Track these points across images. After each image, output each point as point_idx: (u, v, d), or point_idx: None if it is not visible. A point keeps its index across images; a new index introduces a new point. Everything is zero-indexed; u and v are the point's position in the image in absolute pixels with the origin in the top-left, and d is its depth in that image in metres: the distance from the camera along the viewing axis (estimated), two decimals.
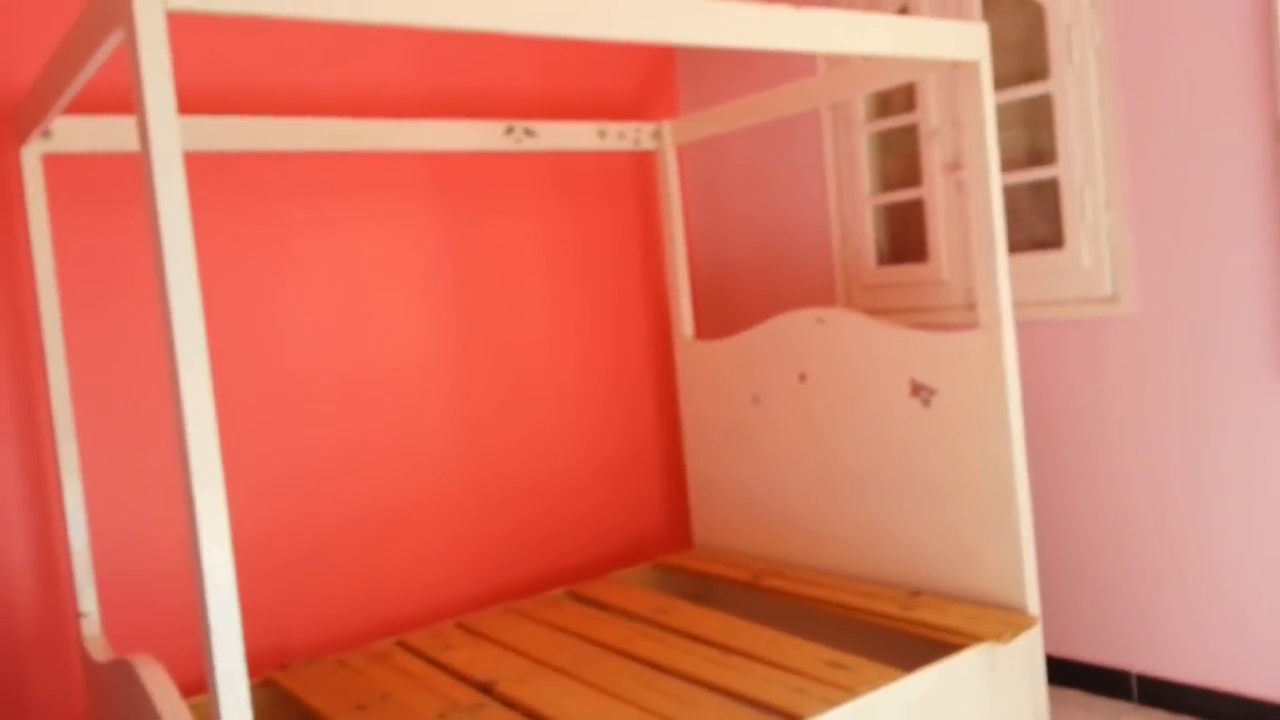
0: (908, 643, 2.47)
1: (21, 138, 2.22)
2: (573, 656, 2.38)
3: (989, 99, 2.32)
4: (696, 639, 2.45)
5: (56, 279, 2.30)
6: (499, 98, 3.15)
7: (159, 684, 1.73)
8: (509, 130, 2.92)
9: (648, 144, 3.19)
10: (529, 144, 2.96)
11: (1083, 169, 2.59)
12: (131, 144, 2.35)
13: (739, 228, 3.47)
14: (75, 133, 2.28)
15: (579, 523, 3.27)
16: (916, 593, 2.54)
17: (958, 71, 2.40)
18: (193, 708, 2.34)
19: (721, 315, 3.55)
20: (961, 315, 2.87)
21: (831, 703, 1.98)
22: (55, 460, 2.40)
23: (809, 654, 2.26)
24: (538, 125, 2.97)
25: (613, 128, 3.11)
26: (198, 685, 2.56)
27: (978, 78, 2.31)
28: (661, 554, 3.45)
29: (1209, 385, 2.44)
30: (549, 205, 3.25)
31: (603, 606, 2.79)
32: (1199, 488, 2.48)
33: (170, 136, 1.32)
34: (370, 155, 2.89)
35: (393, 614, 2.89)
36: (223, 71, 2.67)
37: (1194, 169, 2.42)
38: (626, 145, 3.14)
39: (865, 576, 2.69)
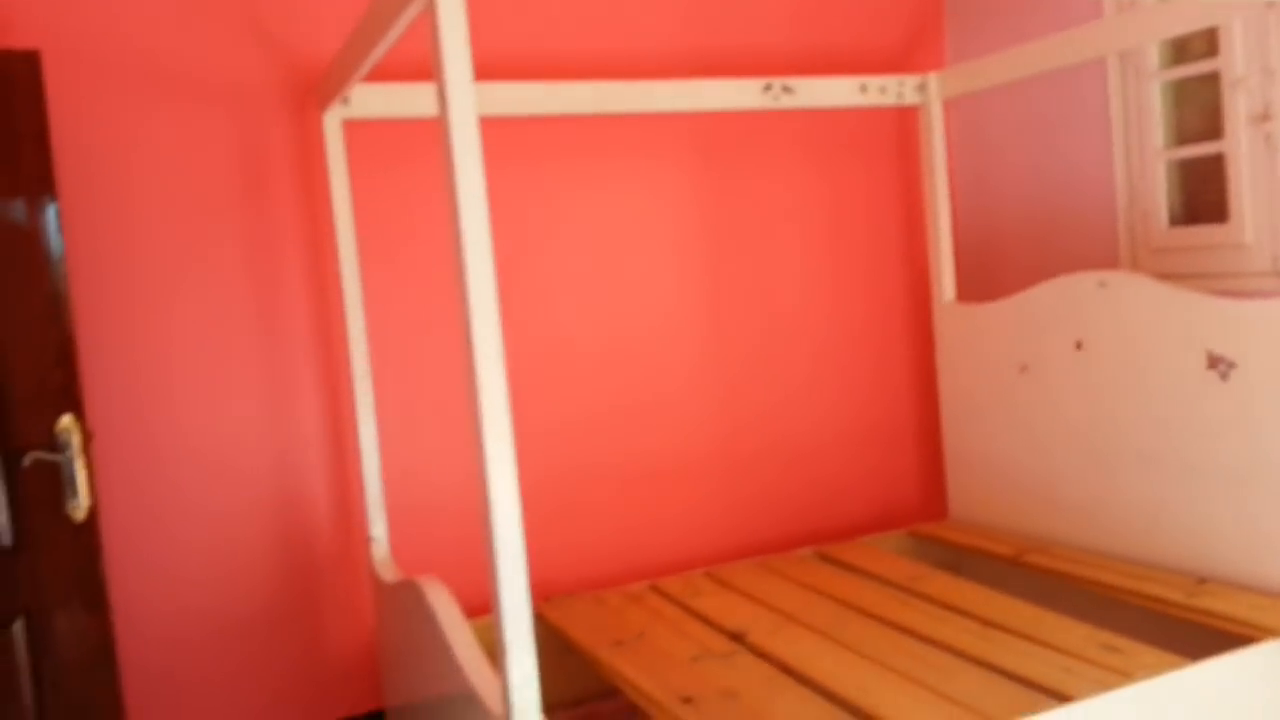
0: (1189, 631, 2.29)
1: (324, 104, 2.43)
2: (824, 615, 2.38)
3: None
4: (954, 609, 2.38)
5: (355, 233, 2.52)
6: (757, 55, 3.13)
7: (443, 604, 1.87)
8: (767, 87, 2.91)
9: (911, 98, 3.07)
10: (787, 101, 2.93)
11: None
12: (417, 109, 2.52)
13: (1008, 186, 3.29)
14: (369, 99, 2.47)
15: (828, 485, 3.25)
16: (1203, 580, 2.35)
17: (1272, 11, 2.15)
18: (473, 628, 2.52)
19: (985, 279, 3.39)
20: (1266, 282, 2.60)
21: (1106, 686, 1.87)
22: (350, 402, 2.64)
23: (1079, 634, 2.14)
24: (796, 82, 2.93)
25: (874, 82, 3.02)
26: (476, 608, 2.75)
27: None
28: (912, 523, 3.37)
29: None
30: (804, 164, 3.21)
31: (853, 569, 2.77)
32: None
33: (467, 101, 1.40)
34: (630, 117, 2.96)
35: (645, 560, 2.99)
36: (489, 40, 2.81)
37: None
38: (889, 100, 3.05)
39: (1142, 560, 2.51)
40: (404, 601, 2.15)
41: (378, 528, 2.47)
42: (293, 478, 2.59)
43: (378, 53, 1.85)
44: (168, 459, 2.48)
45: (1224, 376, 2.29)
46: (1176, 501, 2.42)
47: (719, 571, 2.78)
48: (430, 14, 1.43)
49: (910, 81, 3.07)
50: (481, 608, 2.77)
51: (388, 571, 2.38)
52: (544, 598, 2.80)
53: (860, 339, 3.29)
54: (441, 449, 2.74)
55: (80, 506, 2.01)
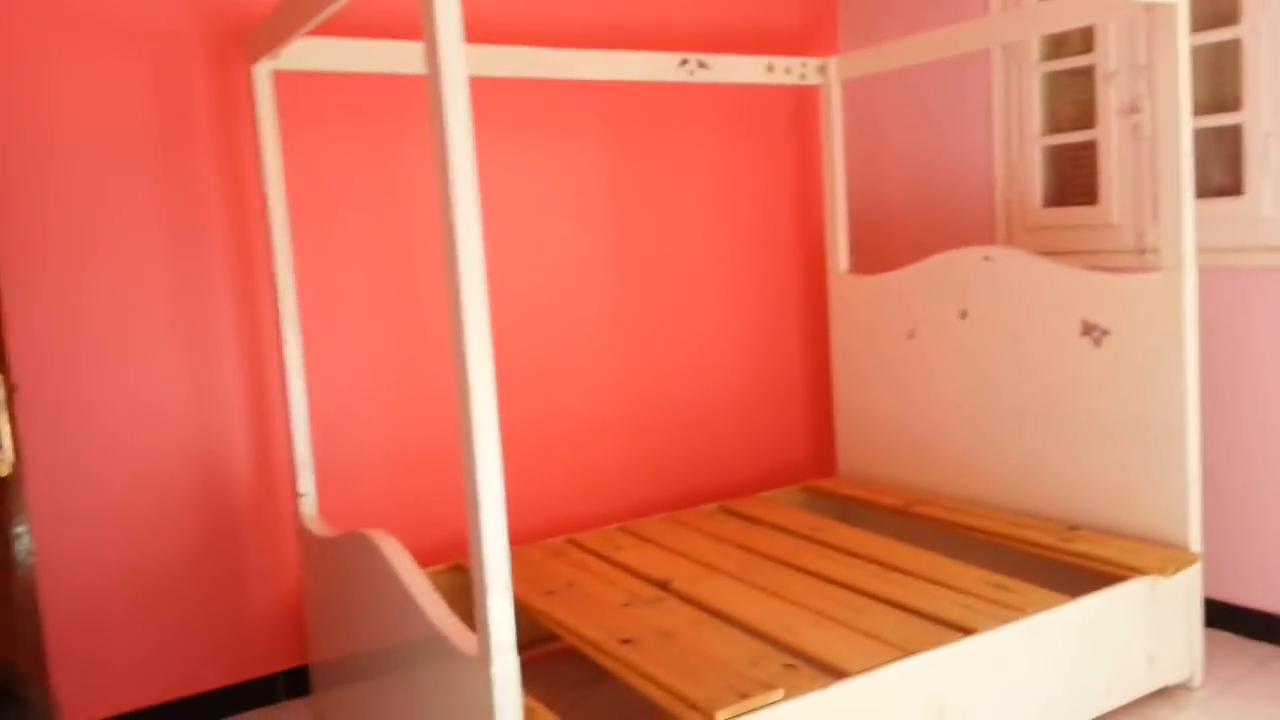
0: (1065, 573, 2.55)
1: (255, 56, 2.38)
2: (739, 563, 2.53)
3: (1185, 42, 2.31)
4: (856, 555, 2.57)
5: (284, 192, 2.49)
6: (664, 30, 3.23)
7: (397, 554, 1.92)
8: (683, 62, 3.01)
9: (813, 79, 3.23)
10: (701, 76, 3.04)
11: (1269, 116, 2.57)
12: (352, 64, 2.50)
13: (898, 165, 3.50)
14: (303, 53, 2.44)
15: (727, 445, 3.41)
16: (1075, 526, 2.62)
17: (1148, 12, 2.39)
18: None
19: (875, 251, 3.61)
20: (1129, 259, 2.88)
21: (1001, 620, 2.08)
22: (273, 358, 2.61)
23: (973, 575, 2.36)
24: (709, 58, 3.04)
25: (780, 62, 3.17)
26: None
27: (1174, 20, 2.31)
28: (804, 480, 3.57)
29: None
30: (706, 138, 3.33)
31: (757, 522, 2.93)
32: None
33: (458, 61, 1.45)
34: (537, 85, 3.00)
35: (557, 517, 3.08)
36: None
37: None
38: (793, 79, 3.20)
39: (1020, 509, 2.77)
40: (345, 554, 2.18)
41: (306, 483, 2.47)
42: (215, 433, 2.56)
43: (335, 7, 1.84)
44: (89, 413, 2.41)
45: (1097, 343, 2.55)
46: (1051, 456, 2.68)
47: (633, 526, 2.90)
48: None
49: (812, 63, 3.23)
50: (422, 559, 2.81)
51: (319, 526, 2.39)
52: (465, 554, 2.86)
53: (758, 307, 3.46)
54: (365, 404, 2.74)
55: (4, 461, 1.95)
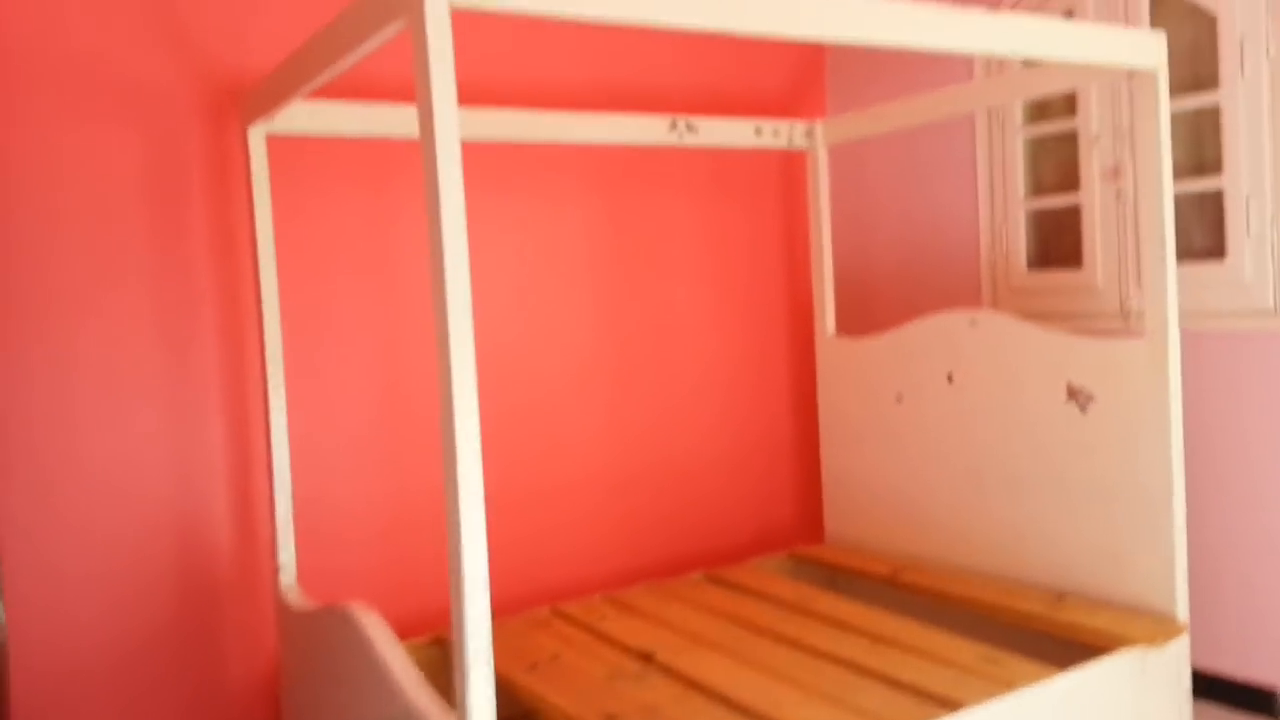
0: (1053, 643, 2.51)
1: (251, 118, 2.39)
2: (724, 635, 2.49)
3: (1164, 108, 2.33)
4: (843, 626, 2.53)
5: (275, 253, 2.49)
6: (657, 93, 3.26)
7: (376, 628, 1.88)
8: (673, 125, 3.03)
9: (800, 142, 3.26)
10: (690, 139, 3.06)
11: (1249, 181, 2.59)
12: (349, 128, 2.51)
13: (884, 227, 3.52)
14: (297, 116, 2.45)
15: (713, 509, 3.38)
16: (1063, 595, 2.58)
17: (1130, 80, 2.42)
18: None
19: (862, 314, 3.61)
20: (1113, 322, 2.88)
21: (989, 694, 2.04)
22: (258, 427, 2.59)
23: (961, 647, 2.32)
24: (699, 121, 3.07)
25: (768, 125, 3.19)
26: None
27: (1154, 86, 2.33)
28: (791, 545, 3.54)
29: None
30: (695, 199, 3.35)
31: (744, 590, 2.89)
32: None
33: (451, 124, 1.45)
34: (536, 146, 3.03)
35: (542, 581, 3.04)
36: (408, 65, 2.83)
37: None
38: (780, 143, 3.22)
39: (1008, 576, 2.74)
40: (323, 628, 2.14)
41: (286, 552, 2.44)
42: (195, 502, 2.53)
43: (335, 71, 1.86)
44: (67, 479, 2.38)
45: (1083, 408, 2.53)
46: (1038, 521, 2.65)
47: (618, 596, 2.85)
48: (416, 35, 1.47)
49: (800, 127, 3.25)
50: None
51: (297, 598, 2.35)
52: (447, 626, 2.81)
53: (746, 370, 3.45)
54: (350, 476, 2.72)
55: None
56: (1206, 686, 2.74)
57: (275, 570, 2.45)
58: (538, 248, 3.04)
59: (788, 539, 3.55)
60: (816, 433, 3.61)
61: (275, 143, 2.62)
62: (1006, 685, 2.08)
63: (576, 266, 3.11)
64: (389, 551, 2.78)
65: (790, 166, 3.56)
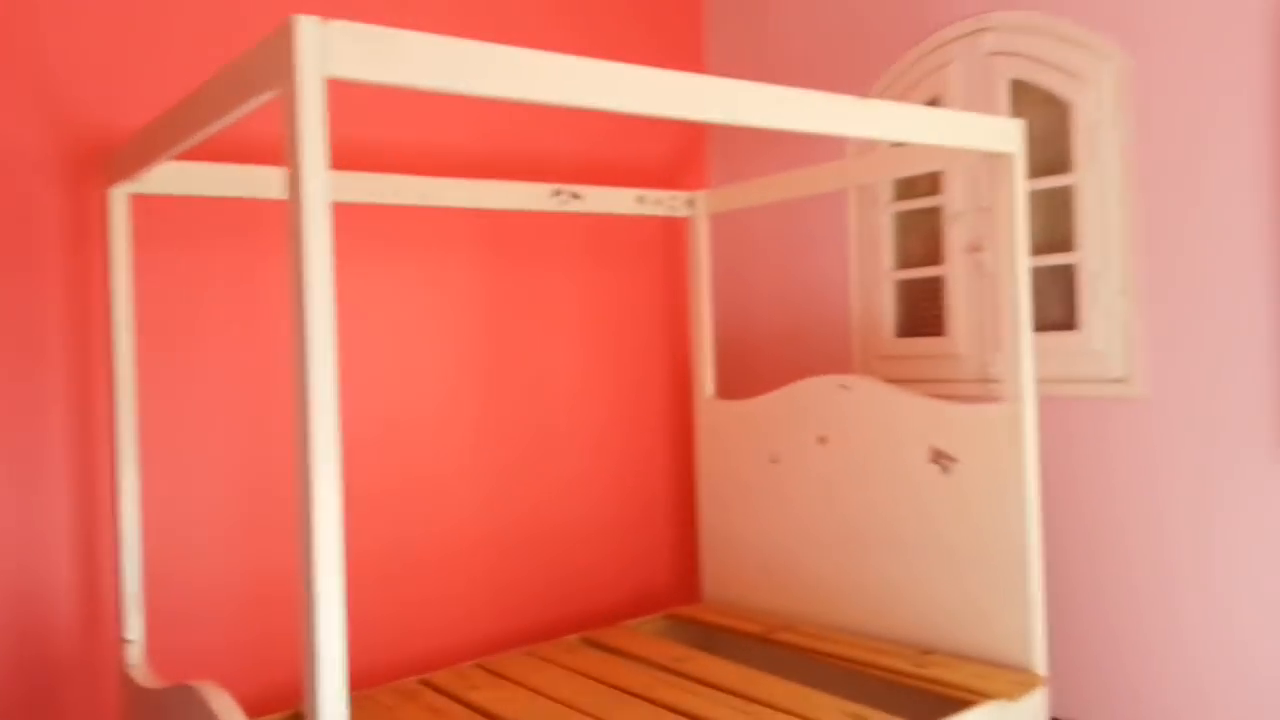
0: (919, 699, 2.56)
1: (114, 179, 2.32)
2: (598, 701, 2.45)
3: (1022, 188, 2.48)
4: (717, 688, 2.53)
5: (134, 317, 2.39)
6: (542, 161, 3.30)
7: (227, 709, 1.79)
8: (557, 193, 3.07)
9: (682, 211, 3.34)
10: (574, 206, 3.10)
11: (1099, 257, 2.76)
12: (213, 189, 2.45)
13: (763, 294, 3.61)
14: (163, 176, 2.39)
15: (591, 571, 3.35)
16: (928, 651, 2.63)
17: (990, 161, 2.57)
18: None
19: (740, 378, 3.68)
20: (975, 388, 3.01)
21: None
22: (110, 491, 2.47)
23: (829, 705, 2.34)
24: (582, 189, 3.12)
25: (650, 194, 3.26)
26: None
27: (1012, 168, 2.48)
28: (669, 606, 3.53)
29: (1214, 467, 2.58)
30: (578, 266, 3.38)
31: (619, 653, 2.86)
32: (1206, 565, 2.60)
33: (320, 196, 1.43)
34: (422, 211, 3.01)
35: (413, 652, 2.95)
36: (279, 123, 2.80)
37: (1203, 264, 2.59)
38: (663, 211, 3.29)
39: (876, 634, 2.79)
40: (169, 709, 2.02)
41: (134, 627, 2.30)
42: (37, 576, 2.37)
43: (205, 134, 1.81)
44: None
45: (945, 470, 2.62)
46: (904, 580, 2.72)
47: (490, 662, 2.79)
48: (287, 105, 1.45)
49: (681, 196, 3.33)
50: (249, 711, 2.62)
51: (144, 677, 2.22)
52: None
53: (626, 432, 3.46)
54: (206, 549, 2.60)
55: None
56: None
57: (121, 647, 2.31)
58: (415, 313, 3.01)
59: (666, 600, 3.54)
60: (695, 494, 3.63)
61: (141, 202, 2.54)
62: None
63: (456, 331, 3.09)
64: (248, 627, 2.66)
65: (672, 234, 3.63)
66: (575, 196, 3.10)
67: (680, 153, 3.67)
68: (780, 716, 2.30)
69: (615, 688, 2.55)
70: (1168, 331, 2.66)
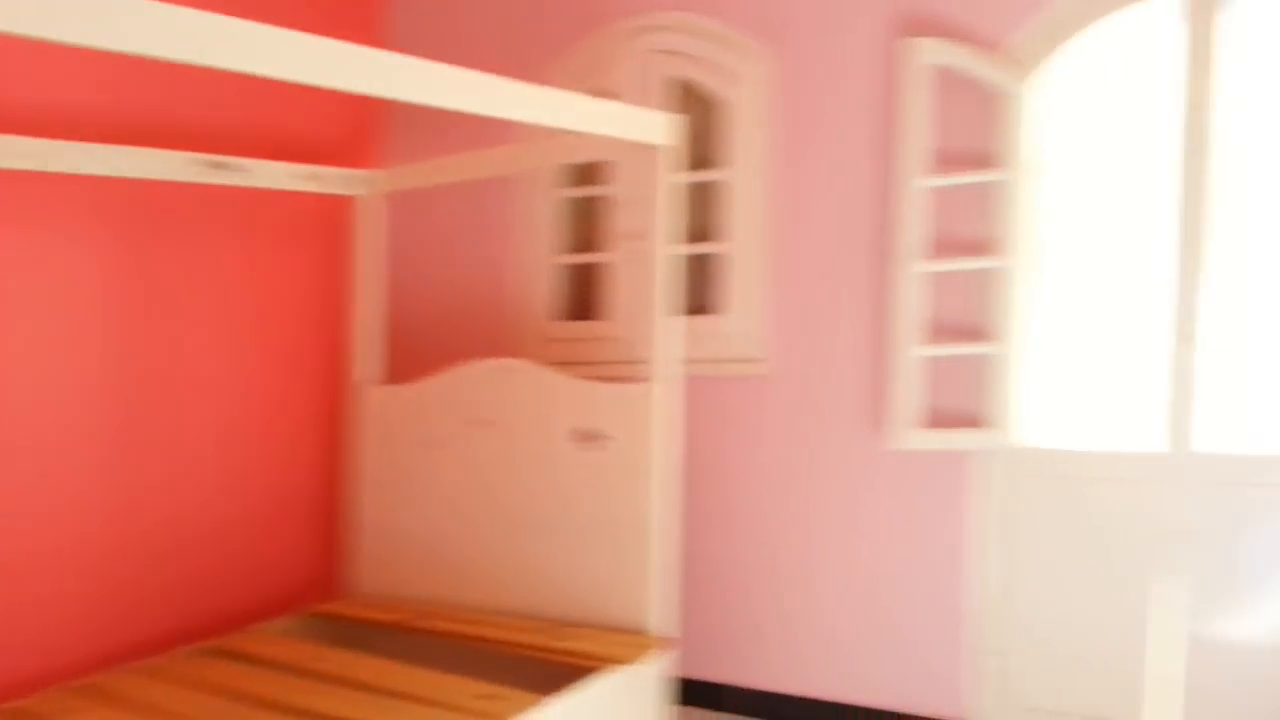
0: (558, 671, 2.51)
1: None
2: (217, 714, 2.19)
3: (673, 179, 2.53)
4: (350, 684, 2.35)
5: None
6: (198, 128, 2.99)
7: None
8: (213, 163, 2.78)
9: (354, 189, 3.16)
10: (237, 179, 2.82)
11: (744, 247, 2.86)
12: None
13: (426, 278, 3.50)
14: None
15: (220, 574, 3.04)
16: (566, 624, 2.62)
17: (650, 153, 2.60)
18: None
19: (404, 363, 3.53)
20: (635, 369, 3.03)
21: None
22: None
23: (461, 688, 2.25)
24: (248, 162, 2.85)
25: (322, 171, 3.06)
26: None
27: (668, 160, 2.52)
28: (311, 604, 3.28)
29: (823, 436, 2.78)
30: (238, 242, 3.11)
31: (247, 660, 2.60)
32: (804, 523, 2.82)
33: None
34: (44, 178, 2.63)
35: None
36: None
37: (819, 257, 2.78)
38: (333, 189, 3.09)
39: (524, 613, 2.74)
40: None
41: None
42: None
43: None
44: None
45: (593, 448, 2.61)
46: (552, 557, 2.70)
47: (94, 682, 2.43)
48: None
49: (356, 175, 3.15)
50: None
51: None
52: None
53: (274, 420, 3.20)
54: None
55: None
56: (699, 693, 2.93)
57: None
58: (36, 288, 2.61)
59: (309, 598, 3.29)
60: (346, 485, 3.41)
61: None
62: (499, 719, 2.02)
63: (85, 309, 2.71)
64: None
65: (337, 214, 3.43)
66: (219, 167, 2.83)
67: (356, 130, 3.48)
68: (413, 706, 2.17)
69: (240, 697, 2.29)
70: (791, 317, 2.82)
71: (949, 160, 2.61)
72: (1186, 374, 2.40)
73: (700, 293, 2.99)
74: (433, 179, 3.06)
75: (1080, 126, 2.61)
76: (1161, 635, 2.46)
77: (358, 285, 3.19)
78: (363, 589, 3.09)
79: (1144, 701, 2.49)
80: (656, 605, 2.48)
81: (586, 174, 3.23)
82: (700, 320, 2.92)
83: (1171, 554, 2.45)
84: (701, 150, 2.99)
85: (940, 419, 2.64)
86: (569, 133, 2.70)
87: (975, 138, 2.59)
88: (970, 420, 2.61)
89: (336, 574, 3.38)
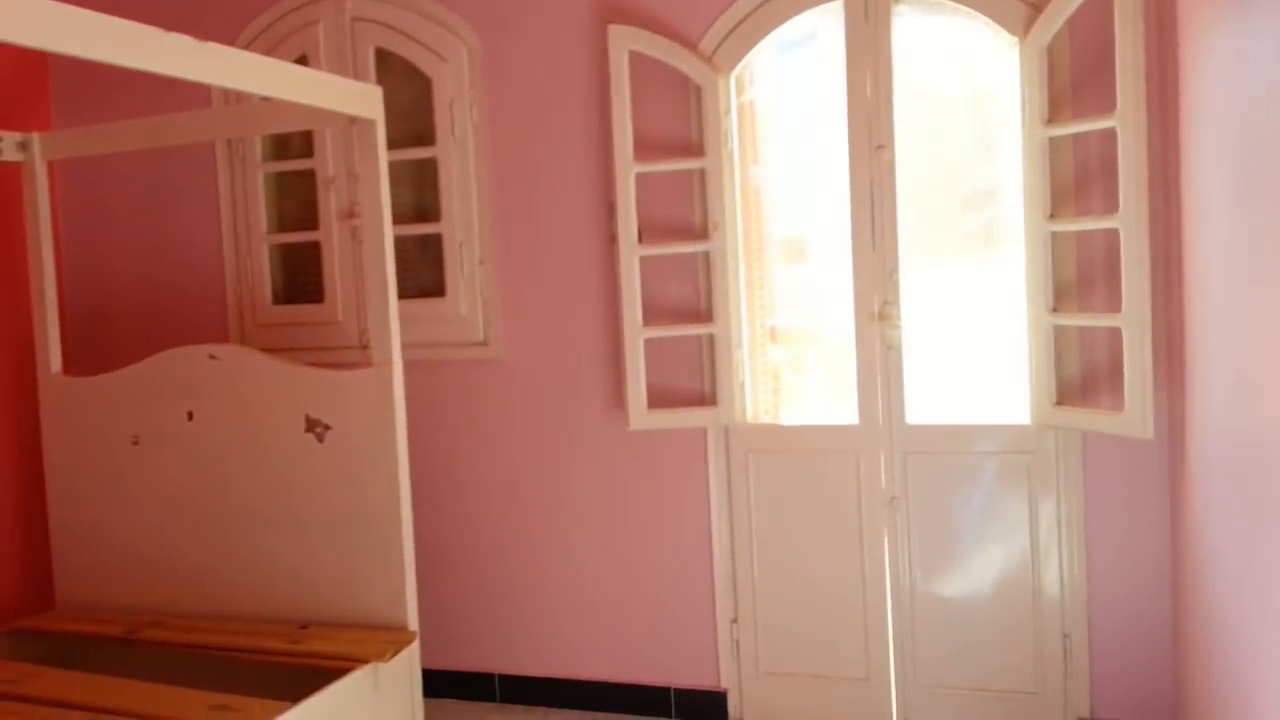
0: (300, 675, 2.49)
1: None
2: None
3: (383, 155, 2.48)
4: (62, 705, 2.23)
5: None
6: None
7: None
8: None
9: (11, 155, 2.84)
10: None
11: (461, 228, 2.90)
12: None
13: (123, 256, 3.24)
14: None
15: None
16: (305, 625, 2.58)
17: (355, 126, 2.53)
18: None
19: (99, 350, 3.27)
20: (356, 355, 3.01)
21: None
22: None
23: (192, 701, 2.19)
24: None
25: None
26: None
27: (374, 134, 2.47)
28: (14, 619, 3.03)
29: (562, 420, 2.88)
30: None
31: None
32: (558, 509, 2.90)
33: None
34: None
35: None
36: None
37: (546, 239, 2.86)
38: None
39: (256, 615, 2.66)
40: None
41: None
42: None
43: None
44: None
45: (320, 438, 2.58)
46: (283, 555, 2.63)
47: None
48: None
49: (11, 138, 2.83)
50: None
51: None
52: None
53: None
54: None
55: None
56: (440, 683, 2.99)
57: None
58: None
59: (10, 613, 3.03)
60: (44, 486, 3.15)
61: None
62: None
63: None
64: None
65: (7, 182, 3.08)
66: None
67: (16, 88, 3.11)
68: None
69: None
70: (521, 301, 2.90)
71: (664, 147, 2.75)
72: (893, 351, 2.62)
73: (424, 275, 3.00)
74: (107, 145, 2.83)
75: (782, 119, 2.85)
76: (876, 593, 2.75)
77: (31, 265, 2.90)
78: (74, 600, 2.88)
79: (867, 658, 2.72)
80: (397, 599, 2.49)
81: (290, 147, 3.11)
82: (424, 303, 2.93)
83: (886, 518, 2.69)
84: (410, 127, 2.96)
85: (676, 399, 2.80)
86: (268, 101, 2.58)
87: (685, 126, 2.73)
88: (700, 399, 2.79)
89: (48, 585, 3.11)
